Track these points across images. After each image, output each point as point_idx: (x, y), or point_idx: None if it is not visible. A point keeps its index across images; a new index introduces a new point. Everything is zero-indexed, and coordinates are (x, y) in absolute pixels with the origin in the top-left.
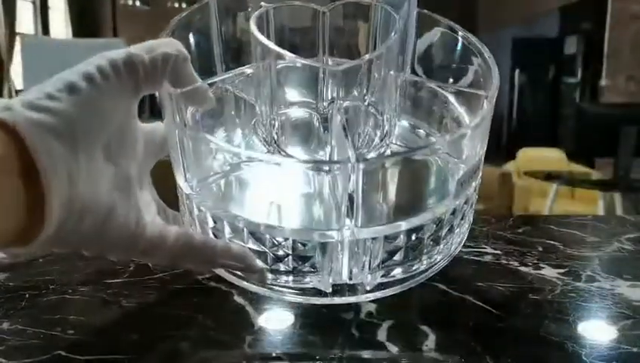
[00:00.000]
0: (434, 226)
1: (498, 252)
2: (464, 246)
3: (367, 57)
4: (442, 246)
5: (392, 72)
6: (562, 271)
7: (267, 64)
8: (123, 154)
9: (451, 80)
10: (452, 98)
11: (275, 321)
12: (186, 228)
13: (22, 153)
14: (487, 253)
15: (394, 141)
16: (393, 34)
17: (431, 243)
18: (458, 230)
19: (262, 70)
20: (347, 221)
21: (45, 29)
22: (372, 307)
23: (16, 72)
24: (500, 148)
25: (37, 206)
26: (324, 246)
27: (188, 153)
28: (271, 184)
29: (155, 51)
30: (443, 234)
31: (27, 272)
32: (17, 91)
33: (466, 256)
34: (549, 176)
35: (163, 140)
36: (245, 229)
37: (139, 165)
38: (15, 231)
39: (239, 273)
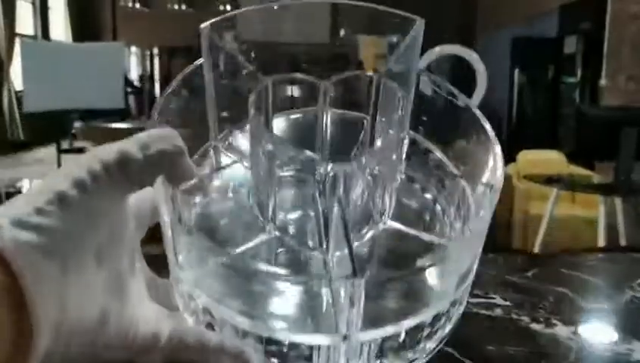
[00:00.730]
0: (432, 320)
1: (509, 303)
2: (474, 295)
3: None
4: (437, 334)
5: (394, 138)
6: (574, 329)
7: (262, 141)
8: (114, 254)
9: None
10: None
11: None
12: (179, 319)
13: (8, 275)
14: (497, 305)
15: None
16: (399, 111)
17: (427, 333)
18: (454, 318)
19: (257, 133)
20: (347, 326)
21: (45, 30)
22: None
23: (15, 73)
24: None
25: (23, 333)
26: (321, 347)
27: (177, 241)
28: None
29: (150, 149)
30: (441, 324)
31: None
32: (17, 92)
33: (476, 309)
34: (549, 180)
35: (154, 208)
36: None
37: (130, 250)
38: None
39: None
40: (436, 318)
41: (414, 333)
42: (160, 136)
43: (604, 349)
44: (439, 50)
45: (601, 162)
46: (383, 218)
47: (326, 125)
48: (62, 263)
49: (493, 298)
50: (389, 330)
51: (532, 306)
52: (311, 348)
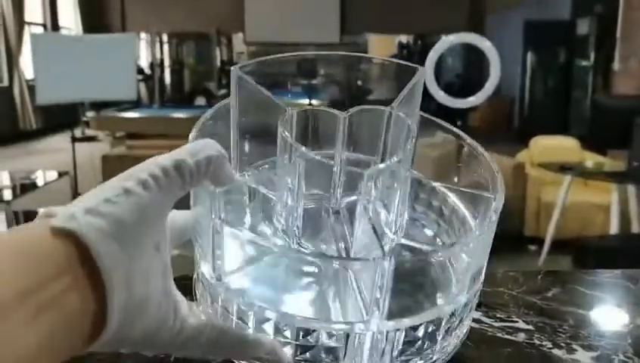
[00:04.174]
0: (449, 317)
1: (531, 327)
2: (496, 319)
3: (395, 159)
4: (452, 336)
5: (402, 171)
6: (594, 354)
7: (294, 161)
8: (163, 246)
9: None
10: (452, 196)
11: None
12: (212, 318)
13: (84, 261)
14: (520, 330)
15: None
16: (410, 139)
17: (444, 333)
18: (466, 321)
19: (289, 165)
20: (373, 314)
21: (54, 18)
22: None
23: (25, 61)
24: (512, 133)
25: (96, 312)
26: (348, 338)
27: (220, 245)
28: (296, 277)
29: (198, 155)
30: (456, 324)
31: None
32: (27, 81)
33: (499, 334)
34: (563, 168)
35: (182, 227)
36: (272, 320)
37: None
38: (80, 339)
39: None
40: (452, 316)
41: (432, 329)
42: (205, 144)
43: None
44: (452, 38)
45: (613, 150)
46: (398, 233)
47: (340, 168)
48: (129, 247)
49: (516, 322)
50: (410, 321)
51: (554, 331)
52: (339, 340)
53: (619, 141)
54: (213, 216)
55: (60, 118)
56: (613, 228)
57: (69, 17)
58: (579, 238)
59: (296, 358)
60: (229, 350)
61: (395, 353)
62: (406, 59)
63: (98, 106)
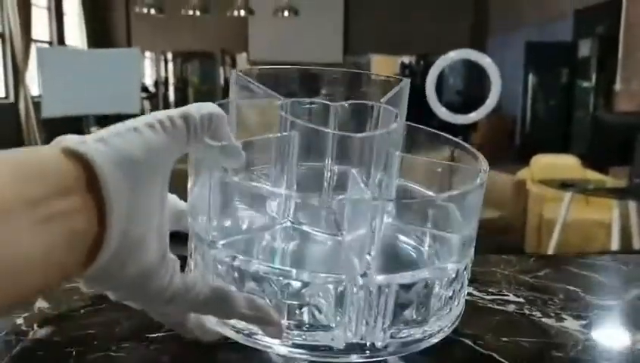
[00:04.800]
0: (443, 281)
1: (521, 300)
2: (488, 293)
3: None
4: (446, 309)
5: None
6: (584, 322)
7: (290, 138)
8: (164, 200)
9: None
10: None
11: None
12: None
13: (91, 185)
14: (510, 302)
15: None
16: (396, 119)
17: (438, 303)
18: (458, 299)
19: (285, 144)
20: (365, 267)
21: (60, 36)
22: None
23: (31, 78)
24: (513, 152)
25: (97, 237)
26: (341, 297)
27: (215, 203)
28: (289, 239)
29: (202, 110)
30: (448, 296)
31: (71, 326)
32: (33, 98)
33: (490, 305)
34: (564, 185)
35: (178, 211)
36: (262, 276)
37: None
38: (80, 258)
39: (250, 330)
40: (445, 282)
41: (424, 293)
42: (208, 104)
43: (612, 340)
44: (453, 54)
45: (614, 167)
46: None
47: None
48: (132, 182)
49: (507, 295)
50: (400, 277)
51: (544, 302)
52: (331, 296)
53: (621, 157)
54: (215, 172)
55: (65, 132)
56: (614, 245)
57: (76, 36)
58: (580, 254)
59: (288, 320)
60: (218, 309)
61: (386, 320)
62: (409, 77)
63: (103, 120)
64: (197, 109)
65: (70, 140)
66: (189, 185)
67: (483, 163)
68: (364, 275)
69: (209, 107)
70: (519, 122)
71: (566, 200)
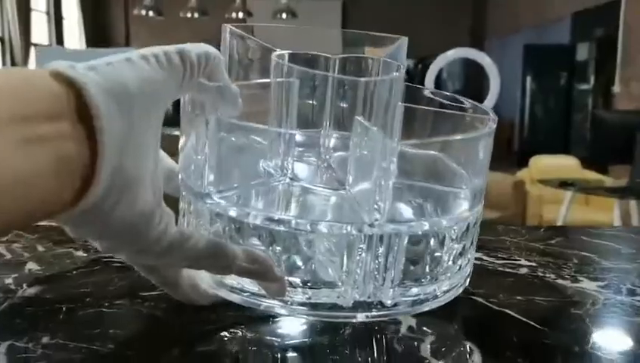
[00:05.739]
0: (453, 234)
1: (534, 264)
2: (498, 258)
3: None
4: (456, 269)
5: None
6: (601, 284)
7: (290, 85)
8: (158, 147)
9: None
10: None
11: (315, 337)
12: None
13: (82, 113)
14: (522, 265)
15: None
16: (399, 68)
17: (446, 260)
18: (469, 256)
19: (281, 92)
20: (373, 217)
21: (59, 40)
22: (413, 322)
23: None
24: (512, 155)
25: (87, 170)
26: (348, 252)
27: (211, 154)
28: (292, 197)
29: (199, 49)
30: (458, 252)
31: (62, 285)
32: None
33: (501, 268)
34: (563, 184)
35: (170, 169)
36: (264, 228)
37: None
38: (70, 189)
39: (249, 291)
40: (454, 240)
41: (433, 247)
42: (204, 45)
43: (632, 299)
44: (452, 53)
45: (614, 166)
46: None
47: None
48: (125, 114)
49: (518, 260)
50: (407, 228)
51: (558, 267)
52: (337, 246)
53: (621, 156)
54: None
55: None
56: None
57: (74, 39)
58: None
59: (289, 277)
60: (216, 262)
61: (395, 276)
62: (407, 82)
63: None
64: (194, 47)
65: (60, 64)
66: (180, 145)
67: (491, 114)
68: (372, 226)
69: (206, 47)
70: (517, 126)
71: (567, 200)
